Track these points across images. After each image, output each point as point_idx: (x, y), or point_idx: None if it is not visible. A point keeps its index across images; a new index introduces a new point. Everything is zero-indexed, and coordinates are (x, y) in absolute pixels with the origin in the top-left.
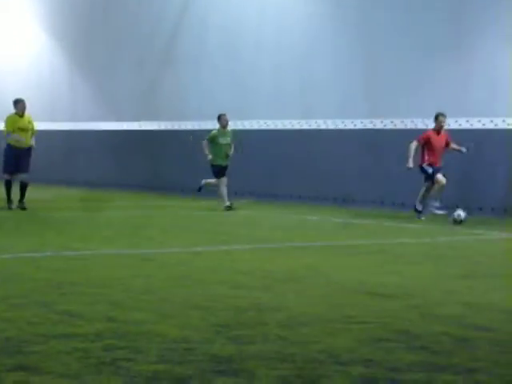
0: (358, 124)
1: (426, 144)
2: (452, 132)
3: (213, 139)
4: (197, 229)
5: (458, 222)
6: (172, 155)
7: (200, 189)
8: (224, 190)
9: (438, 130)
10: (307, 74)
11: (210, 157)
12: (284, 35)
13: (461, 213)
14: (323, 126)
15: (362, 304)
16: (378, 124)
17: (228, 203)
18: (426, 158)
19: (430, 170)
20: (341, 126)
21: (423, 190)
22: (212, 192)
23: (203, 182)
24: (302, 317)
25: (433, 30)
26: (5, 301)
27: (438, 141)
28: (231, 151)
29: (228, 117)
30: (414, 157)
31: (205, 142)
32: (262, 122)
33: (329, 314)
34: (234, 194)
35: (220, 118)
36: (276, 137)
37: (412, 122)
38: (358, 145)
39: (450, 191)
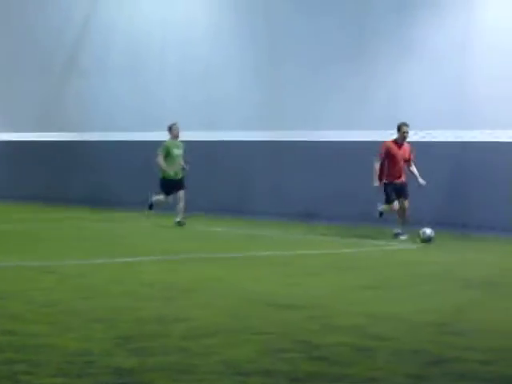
0: (264, 136)
1: (386, 157)
2: (360, 144)
3: (167, 151)
4: (99, 241)
5: (426, 239)
6: (75, 166)
7: (151, 206)
8: (181, 204)
9: (400, 140)
10: (213, 85)
11: (169, 171)
12: (189, 46)
13: (426, 230)
14: (229, 138)
15: (264, 315)
16: (283, 136)
17: (179, 218)
18: (387, 172)
19: (390, 197)
20: (247, 138)
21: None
22: (121, 204)
23: (153, 198)
24: (204, 328)
25: (335, 40)
26: None
27: (400, 153)
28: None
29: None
30: (379, 174)
31: (160, 157)
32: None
33: (231, 325)
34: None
35: (171, 127)
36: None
37: (317, 134)
38: (263, 157)
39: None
